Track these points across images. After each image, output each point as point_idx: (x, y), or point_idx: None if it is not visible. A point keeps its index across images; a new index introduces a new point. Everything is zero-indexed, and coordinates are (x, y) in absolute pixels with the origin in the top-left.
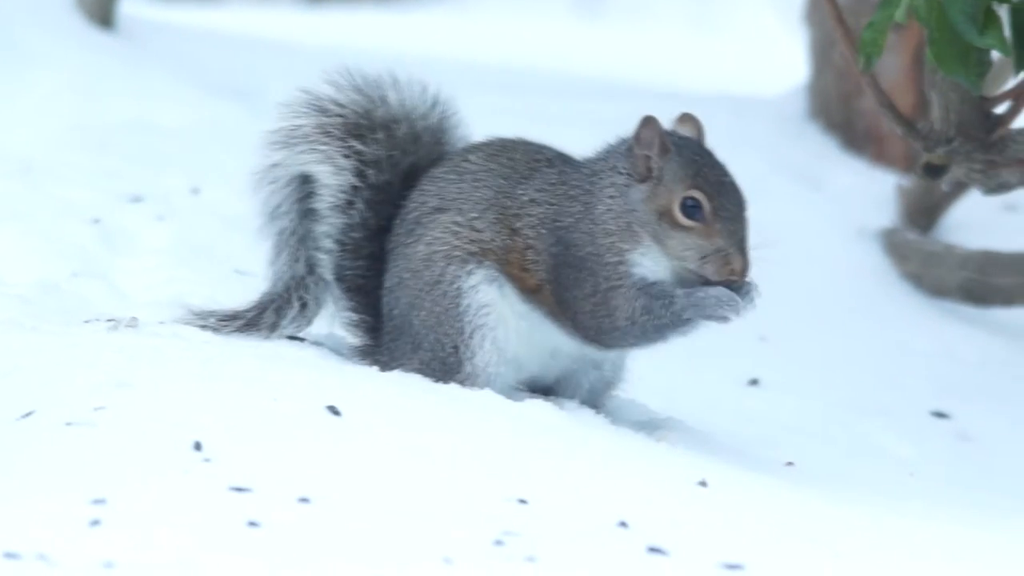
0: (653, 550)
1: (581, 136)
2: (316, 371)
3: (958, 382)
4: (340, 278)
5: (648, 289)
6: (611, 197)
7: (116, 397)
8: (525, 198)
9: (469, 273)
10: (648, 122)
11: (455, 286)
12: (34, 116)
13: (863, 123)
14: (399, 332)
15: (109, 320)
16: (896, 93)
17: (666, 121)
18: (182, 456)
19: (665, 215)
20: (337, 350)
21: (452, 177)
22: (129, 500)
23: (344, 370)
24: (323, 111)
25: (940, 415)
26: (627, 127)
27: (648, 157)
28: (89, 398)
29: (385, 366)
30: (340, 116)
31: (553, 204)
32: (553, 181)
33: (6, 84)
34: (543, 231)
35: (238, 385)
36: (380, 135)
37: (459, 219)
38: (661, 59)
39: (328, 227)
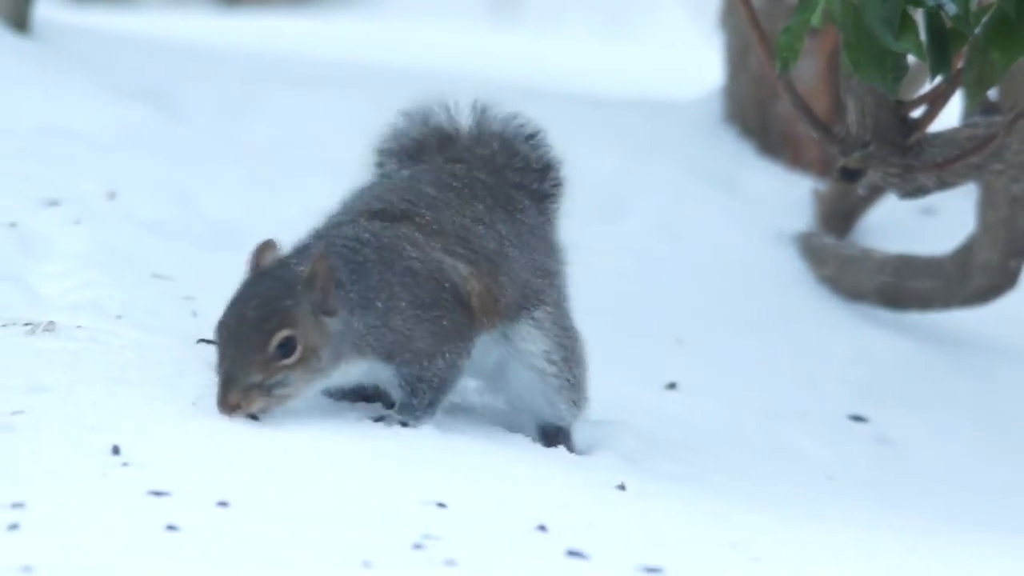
0: (572, 554)
1: None
2: None
3: (875, 386)
4: None
5: None
6: None
7: (33, 401)
8: None
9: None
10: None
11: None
12: None
13: (779, 127)
14: None
15: (26, 324)
16: (812, 97)
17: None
18: (100, 460)
19: None
20: None
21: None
22: (47, 504)
23: None
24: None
25: (858, 418)
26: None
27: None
28: (6, 402)
29: None
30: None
31: None
32: None
33: None
34: None
35: (157, 389)
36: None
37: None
38: (577, 64)
39: None
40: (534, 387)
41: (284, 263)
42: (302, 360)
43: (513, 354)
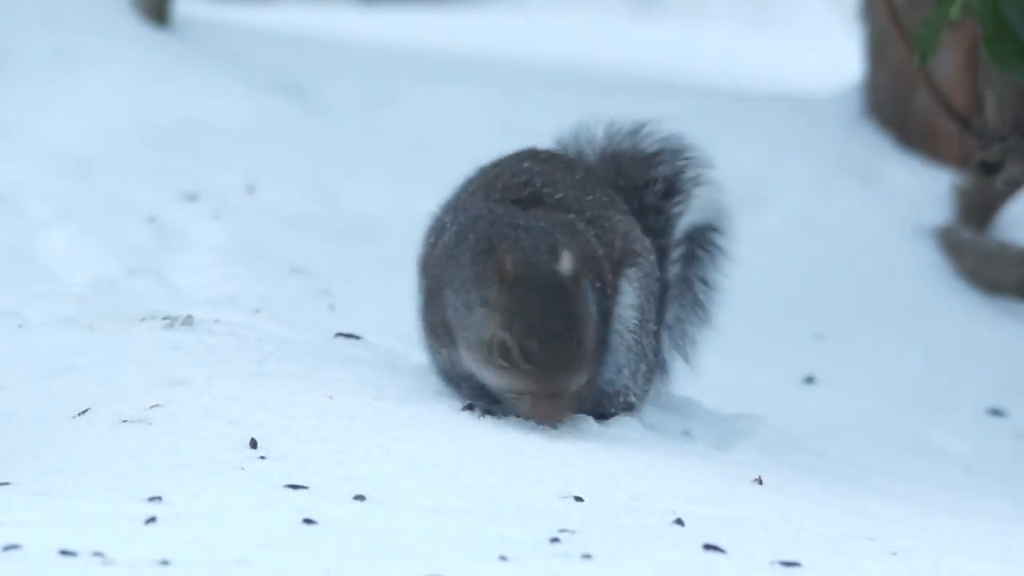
0: (709, 547)
1: None
2: (371, 369)
3: (1015, 379)
4: None
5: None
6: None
7: (171, 395)
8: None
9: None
10: (501, 252)
11: None
12: (90, 115)
13: (918, 121)
14: None
15: (164, 318)
16: (951, 90)
17: (726, 121)
18: (238, 454)
19: (485, 350)
20: (393, 348)
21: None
22: (185, 498)
23: (399, 368)
24: None
25: (997, 412)
26: (684, 125)
27: (489, 287)
28: (145, 396)
29: None
30: None
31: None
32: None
33: (63, 83)
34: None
35: (294, 383)
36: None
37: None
38: (718, 57)
39: None
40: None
41: (555, 272)
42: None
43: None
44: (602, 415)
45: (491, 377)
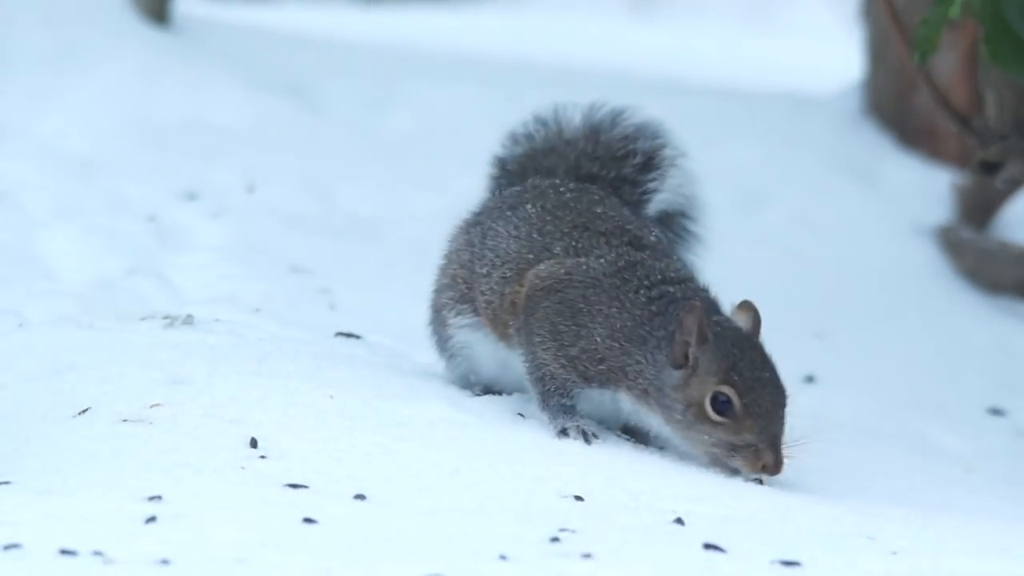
0: (709, 547)
1: None
2: (371, 369)
3: (1014, 379)
4: None
5: None
6: (644, 362)
7: (172, 394)
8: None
9: (458, 314)
10: (691, 309)
11: (447, 319)
12: (90, 113)
13: (918, 120)
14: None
15: (165, 317)
16: (951, 90)
17: (725, 120)
18: (238, 453)
19: (694, 406)
20: (393, 348)
21: (500, 223)
22: (185, 497)
23: (399, 368)
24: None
25: (996, 412)
26: (683, 125)
27: (687, 343)
28: (145, 395)
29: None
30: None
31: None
32: (607, 270)
33: (63, 82)
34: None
35: (294, 382)
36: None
37: (476, 267)
38: (717, 57)
39: None
40: None
41: (737, 324)
42: None
43: None
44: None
45: (702, 434)
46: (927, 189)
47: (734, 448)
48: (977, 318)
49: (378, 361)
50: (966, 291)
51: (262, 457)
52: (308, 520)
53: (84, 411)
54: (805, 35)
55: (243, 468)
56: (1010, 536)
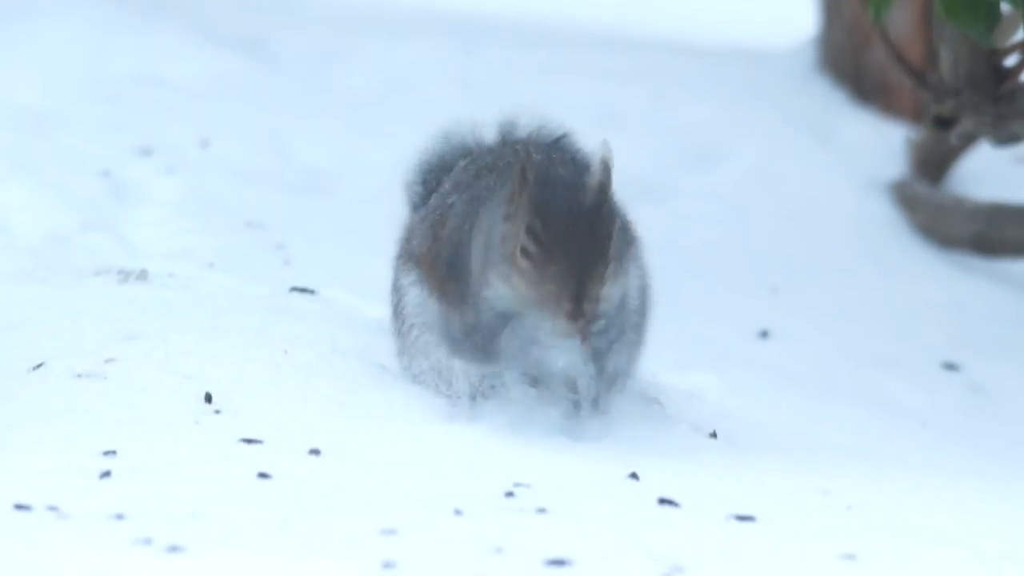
0: (664, 501)
1: (592, 89)
2: (326, 323)
3: (969, 334)
4: None
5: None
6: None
7: (126, 349)
8: (453, 207)
9: (407, 273)
10: (524, 162)
11: (399, 282)
12: (43, 68)
13: (872, 76)
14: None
15: (119, 272)
16: (905, 45)
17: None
18: (192, 408)
19: (511, 255)
20: (348, 303)
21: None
22: (139, 452)
23: (354, 323)
24: None
25: (951, 367)
26: (636, 80)
27: (512, 194)
28: (99, 350)
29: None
30: None
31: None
32: (477, 194)
33: (14, 35)
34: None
35: (248, 337)
36: None
37: (417, 223)
38: (671, 11)
39: None
40: None
41: (581, 178)
42: None
43: None
44: (595, 400)
45: (515, 287)
46: (881, 144)
47: (543, 304)
48: (931, 273)
49: (333, 316)
50: (920, 246)
51: (216, 412)
52: (263, 475)
53: (38, 366)
54: None
55: (197, 423)
56: (964, 490)
